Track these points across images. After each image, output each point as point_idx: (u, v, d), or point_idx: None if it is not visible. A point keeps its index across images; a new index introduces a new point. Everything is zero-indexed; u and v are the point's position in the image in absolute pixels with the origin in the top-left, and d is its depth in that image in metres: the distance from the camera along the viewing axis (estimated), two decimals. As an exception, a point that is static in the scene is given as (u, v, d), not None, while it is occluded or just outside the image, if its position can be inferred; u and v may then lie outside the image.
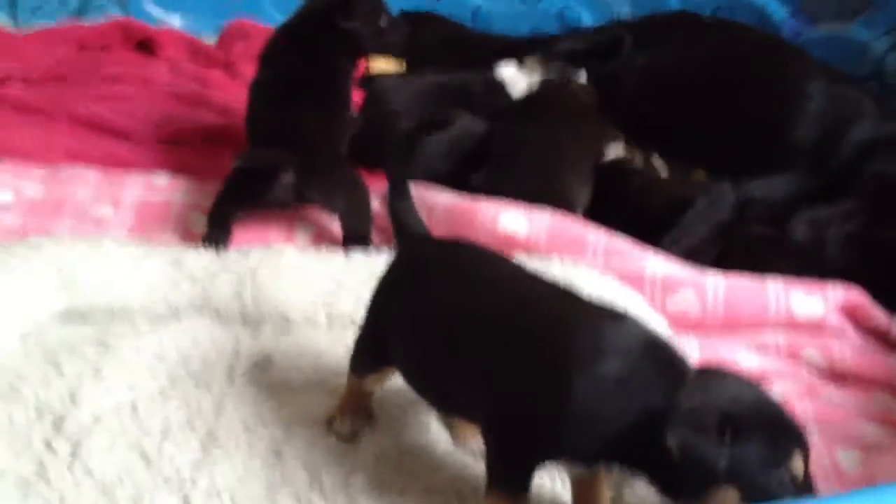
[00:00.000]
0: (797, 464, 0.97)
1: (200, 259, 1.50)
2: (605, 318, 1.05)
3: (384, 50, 1.98)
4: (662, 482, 0.99)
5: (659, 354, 1.02)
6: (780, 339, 1.55)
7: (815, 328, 1.55)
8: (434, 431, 1.28)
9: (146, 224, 1.74)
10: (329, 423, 1.27)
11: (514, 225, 1.65)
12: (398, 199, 1.27)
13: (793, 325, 1.55)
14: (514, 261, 1.20)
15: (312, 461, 1.21)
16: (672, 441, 0.95)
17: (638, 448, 0.98)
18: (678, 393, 0.97)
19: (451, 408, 1.19)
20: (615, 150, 1.92)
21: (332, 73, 1.83)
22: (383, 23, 1.88)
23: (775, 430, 0.97)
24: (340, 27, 1.82)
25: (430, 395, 1.17)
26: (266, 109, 1.77)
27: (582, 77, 2.23)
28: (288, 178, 1.65)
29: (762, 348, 1.54)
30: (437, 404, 1.19)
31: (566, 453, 1.03)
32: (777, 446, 0.96)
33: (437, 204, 1.73)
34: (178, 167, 1.95)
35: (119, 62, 2.42)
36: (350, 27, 1.82)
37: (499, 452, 1.06)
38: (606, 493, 1.13)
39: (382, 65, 2.35)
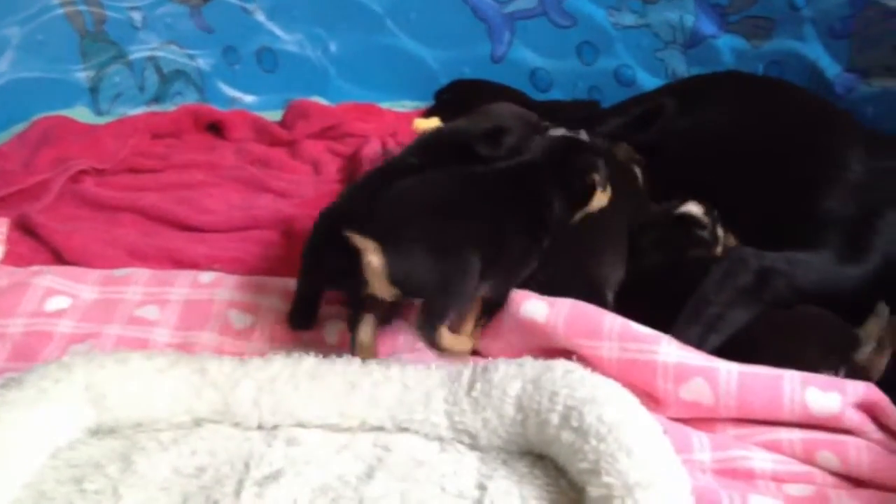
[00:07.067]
0: None
1: (223, 367, 1.58)
2: None
3: None
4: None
5: None
6: (794, 436, 1.51)
7: (832, 425, 1.51)
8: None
9: (188, 322, 1.84)
10: None
11: (535, 311, 1.66)
12: None
13: (809, 421, 1.51)
14: None
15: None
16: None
17: None
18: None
19: None
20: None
21: None
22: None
23: None
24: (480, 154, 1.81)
25: None
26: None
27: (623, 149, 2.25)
28: None
29: (776, 447, 1.51)
30: None
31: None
32: None
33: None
34: (226, 259, 2.05)
35: (188, 149, 2.59)
36: (489, 155, 1.82)
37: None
38: None
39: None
